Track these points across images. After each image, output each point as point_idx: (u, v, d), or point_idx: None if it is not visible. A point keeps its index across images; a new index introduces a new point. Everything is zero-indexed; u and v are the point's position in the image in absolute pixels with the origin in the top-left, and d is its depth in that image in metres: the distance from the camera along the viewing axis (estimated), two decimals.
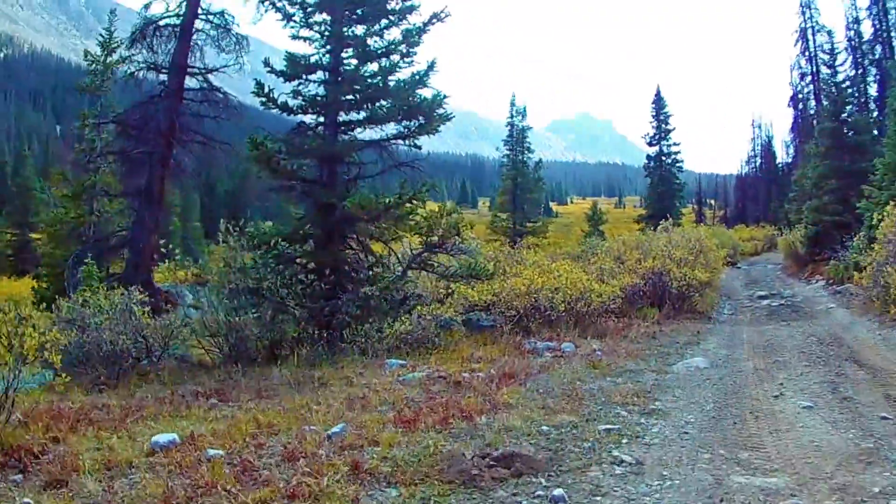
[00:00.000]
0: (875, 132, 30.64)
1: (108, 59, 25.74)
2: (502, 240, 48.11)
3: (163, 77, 19.84)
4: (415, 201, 13.57)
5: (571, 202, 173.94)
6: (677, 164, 56.17)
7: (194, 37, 19.92)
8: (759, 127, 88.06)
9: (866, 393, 9.29)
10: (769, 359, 12.27)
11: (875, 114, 39.84)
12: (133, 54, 20.09)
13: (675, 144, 56.20)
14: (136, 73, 20.10)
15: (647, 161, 56.98)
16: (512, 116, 55.27)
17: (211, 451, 6.20)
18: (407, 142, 14.32)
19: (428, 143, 16.38)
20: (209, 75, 20.12)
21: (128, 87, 21.07)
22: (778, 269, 33.86)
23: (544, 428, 7.31)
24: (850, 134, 30.05)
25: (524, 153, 54.45)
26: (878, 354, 12.04)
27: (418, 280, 16.24)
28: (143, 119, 19.38)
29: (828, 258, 28.06)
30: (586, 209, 61.52)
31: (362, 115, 14.42)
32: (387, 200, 13.39)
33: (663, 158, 55.70)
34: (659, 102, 56.76)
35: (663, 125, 56.25)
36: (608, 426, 7.45)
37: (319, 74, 14.51)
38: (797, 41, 55.91)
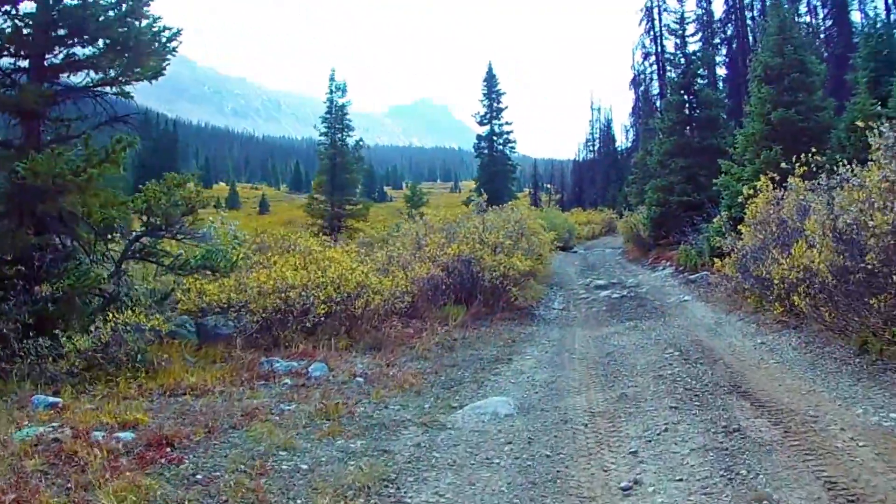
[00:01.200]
0: (723, 115, 27.62)
1: None
2: (319, 223, 42.74)
3: None
4: (109, 164, 9.31)
5: (407, 186, 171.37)
6: (510, 144, 52.73)
7: None
8: (599, 110, 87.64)
9: (788, 482, 4.82)
10: (611, 391, 7.64)
11: (724, 96, 37.46)
12: None
13: (507, 124, 52.79)
14: None
15: (477, 141, 53.08)
16: (331, 93, 49.40)
17: None
18: (115, 88, 10.64)
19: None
20: None
21: None
22: (618, 254, 30.59)
23: None
24: (699, 109, 26.90)
25: (344, 132, 48.81)
26: (774, 380, 7.71)
27: (148, 275, 12.07)
28: None
29: (675, 242, 24.75)
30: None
31: (63, 55, 10.59)
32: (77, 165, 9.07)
33: (495, 138, 52.07)
34: (491, 80, 53.09)
35: (495, 103, 52.65)
36: None
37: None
38: (642, 20, 53.80)
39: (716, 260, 14.18)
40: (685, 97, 27.06)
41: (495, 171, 51.23)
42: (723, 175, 18.28)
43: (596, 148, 79.25)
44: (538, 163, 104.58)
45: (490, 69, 53.47)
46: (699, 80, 28.43)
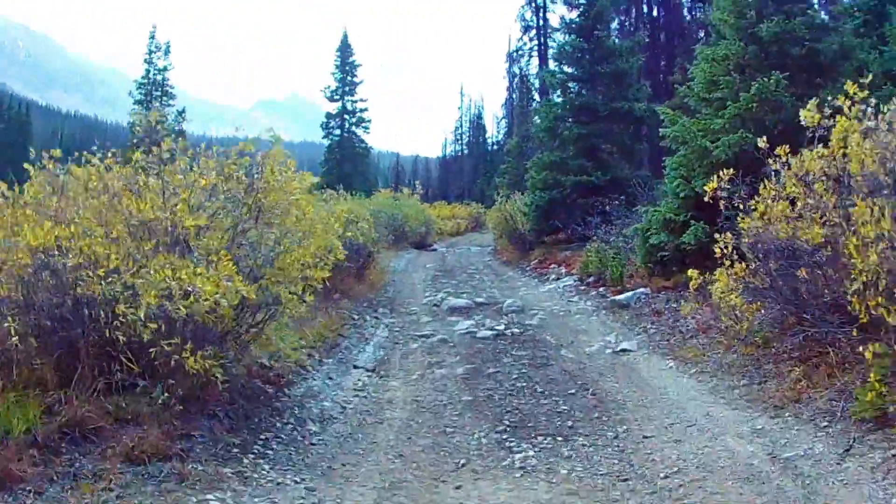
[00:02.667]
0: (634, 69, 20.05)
1: None
2: None
3: None
4: None
5: None
6: (364, 125, 44.18)
7: None
8: (470, 99, 79.90)
9: None
10: None
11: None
12: None
13: (362, 100, 44.25)
14: None
15: (326, 120, 44.11)
16: (149, 54, 39.01)
17: None
18: None
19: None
20: None
21: None
22: (487, 254, 22.73)
23: None
24: (605, 62, 19.24)
25: (164, 99, 38.67)
26: None
27: None
28: None
29: (571, 239, 17.10)
30: None
31: None
32: None
33: (346, 117, 43.48)
34: (345, 50, 44.41)
35: (349, 76, 44.02)
36: None
37: None
38: None
39: (692, 274, 6.39)
40: (585, 44, 19.37)
41: (345, 154, 42.53)
42: (672, 128, 10.51)
43: (465, 141, 71.80)
44: (403, 160, 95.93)
45: (345, 38, 44.73)
46: (611, 23, 20.91)
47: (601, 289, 11.08)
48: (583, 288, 11.72)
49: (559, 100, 19.81)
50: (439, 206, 50.24)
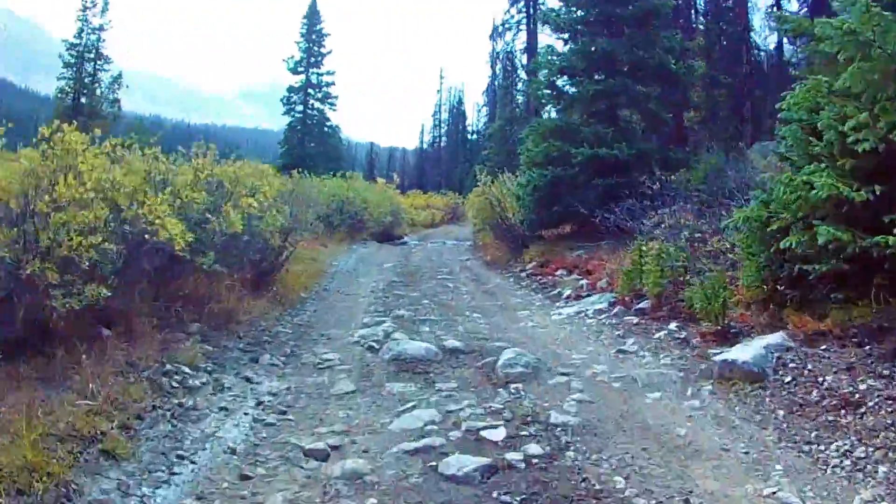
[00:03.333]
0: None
1: None
2: None
3: None
4: None
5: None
6: (329, 100, 38.65)
7: None
8: (450, 85, 74.40)
9: None
10: None
11: None
12: None
13: (328, 73, 38.69)
14: None
15: (287, 94, 38.48)
16: (84, 10, 33.23)
17: None
18: None
19: None
20: None
21: None
22: (465, 250, 17.79)
23: None
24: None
25: (97, 63, 33.02)
26: None
27: None
28: None
29: (578, 233, 12.31)
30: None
31: None
32: None
33: (311, 91, 37.99)
34: (312, 18, 38.90)
35: (316, 47, 38.51)
36: None
37: None
38: None
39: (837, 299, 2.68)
40: None
41: (309, 134, 37.16)
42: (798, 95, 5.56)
43: (443, 129, 66.49)
44: (380, 151, 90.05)
45: (313, 4, 39.19)
46: None
47: (672, 324, 6.07)
48: (635, 321, 6.65)
49: (565, 48, 14.73)
50: (413, 195, 45.24)
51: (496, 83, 64.44)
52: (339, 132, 40.72)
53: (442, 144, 66.83)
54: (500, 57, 45.65)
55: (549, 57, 14.62)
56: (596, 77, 13.70)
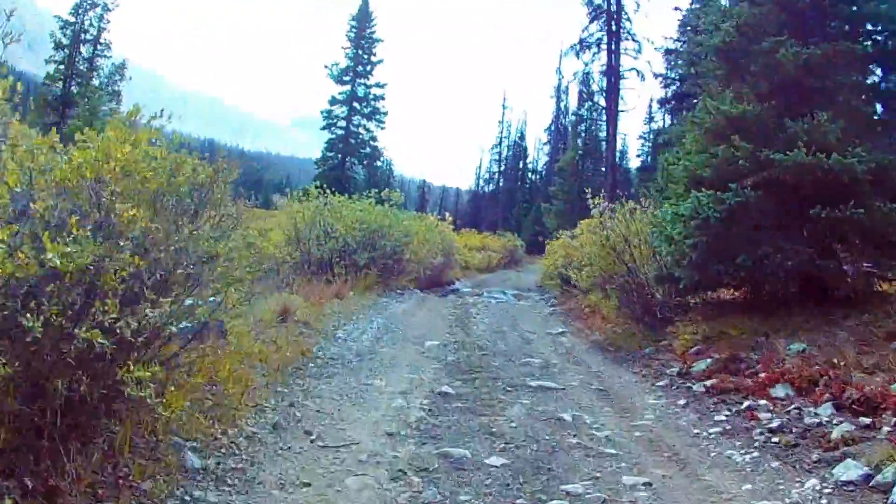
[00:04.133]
0: None
1: None
2: None
3: None
4: None
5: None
6: (377, 117, 33.39)
7: None
8: (511, 115, 68.75)
9: None
10: None
11: None
12: None
13: (378, 86, 33.54)
14: None
15: (329, 107, 33.22)
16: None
17: None
18: None
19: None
20: None
21: None
22: (549, 315, 12.08)
23: None
24: None
25: (98, 48, 28.37)
26: None
27: None
28: None
29: (786, 304, 6.57)
30: None
31: None
32: None
33: (357, 105, 32.85)
34: (364, 20, 33.88)
35: (366, 54, 33.47)
36: None
37: None
38: None
39: None
40: None
41: (349, 153, 31.94)
42: None
43: (503, 165, 60.79)
44: (431, 187, 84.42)
45: (365, 4, 34.26)
46: None
47: None
48: None
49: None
50: (467, 234, 39.57)
51: (562, 118, 58.92)
52: (386, 156, 35.40)
53: (500, 177, 60.93)
54: (576, 79, 39.69)
55: (717, 10, 8.86)
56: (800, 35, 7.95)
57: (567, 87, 58.70)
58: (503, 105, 59.72)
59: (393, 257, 13.40)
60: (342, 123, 32.33)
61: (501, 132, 58.13)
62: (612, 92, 31.01)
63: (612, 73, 31.05)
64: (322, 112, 32.62)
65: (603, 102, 31.58)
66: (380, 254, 12.82)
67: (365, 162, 32.46)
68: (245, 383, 4.41)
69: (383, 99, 33.03)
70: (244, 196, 5.84)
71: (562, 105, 61.75)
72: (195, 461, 3.32)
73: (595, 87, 34.83)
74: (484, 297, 15.60)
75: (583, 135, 34.31)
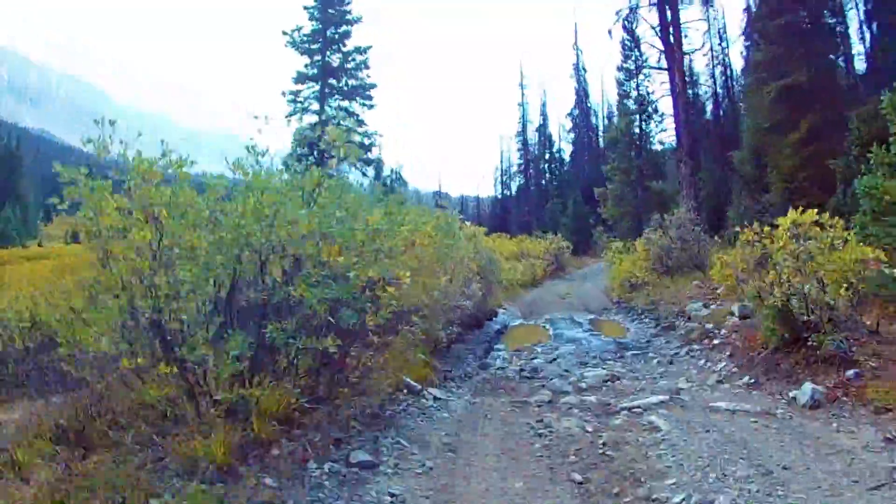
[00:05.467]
0: None
1: None
2: None
3: None
4: None
5: None
6: (362, 94, 24.85)
7: None
8: (529, 97, 59.82)
9: None
10: None
11: None
12: None
13: (359, 51, 25.05)
14: None
15: (294, 85, 24.72)
16: None
17: None
18: None
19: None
20: None
21: None
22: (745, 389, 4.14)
23: None
24: None
25: None
26: None
27: None
28: None
29: None
30: None
31: None
32: None
33: (332, 80, 24.48)
34: None
35: (338, 13, 25.15)
36: None
37: None
38: None
39: None
40: None
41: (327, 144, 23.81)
42: None
43: (530, 152, 52.12)
44: (448, 199, 75.82)
45: None
46: None
47: None
48: None
49: None
50: (499, 239, 31.16)
51: (584, 100, 50.71)
52: (373, 138, 26.03)
53: (529, 173, 52.48)
54: (619, 19, 31.03)
55: None
56: None
57: (585, 68, 50.55)
58: (521, 84, 50.78)
59: (358, 309, 5.07)
60: (314, 106, 23.89)
61: (523, 116, 49.70)
62: (673, 27, 22.49)
63: (672, 24, 22.55)
64: (285, 94, 23.98)
65: (660, 45, 22.97)
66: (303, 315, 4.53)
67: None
68: None
69: (367, 68, 24.51)
70: None
71: (582, 83, 53.66)
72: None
73: (645, 31, 26.28)
74: (554, 338, 7.97)
75: (634, 94, 25.74)
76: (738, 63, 27.03)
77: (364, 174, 24.19)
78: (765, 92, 15.85)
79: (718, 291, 11.65)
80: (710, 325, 8.87)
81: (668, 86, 21.64)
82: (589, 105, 52.36)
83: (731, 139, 23.66)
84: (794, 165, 15.27)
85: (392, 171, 49.69)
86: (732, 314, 8.85)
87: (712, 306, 10.03)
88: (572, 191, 42.72)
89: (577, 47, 51.45)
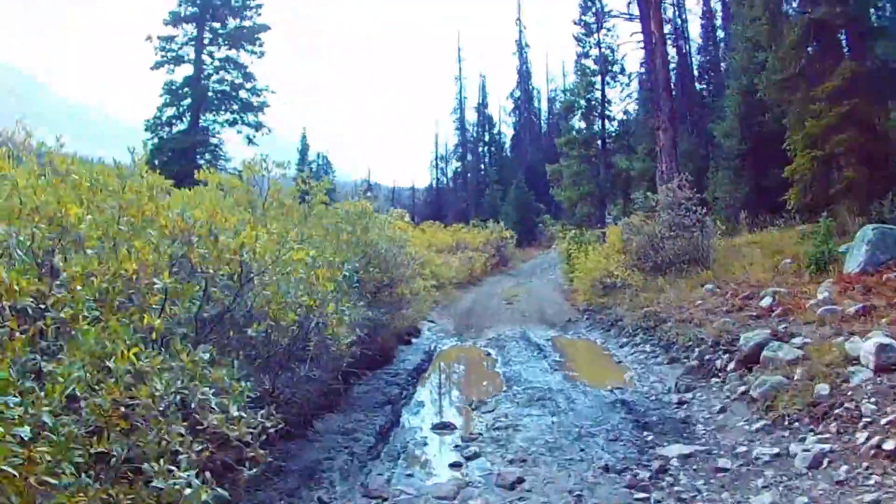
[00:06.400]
0: None
1: None
2: None
3: None
4: None
5: None
6: (248, 38, 19.42)
7: None
8: (464, 69, 54.64)
9: None
10: None
11: None
12: None
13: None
14: None
15: (165, 28, 19.35)
16: None
17: None
18: None
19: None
20: None
21: None
22: None
23: None
24: None
25: None
26: None
27: None
28: None
29: None
30: None
31: None
32: None
33: (214, 24, 19.20)
34: None
35: None
36: None
37: None
38: None
39: None
40: None
41: (212, 106, 18.44)
42: None
43: (466, 134, 47.26)
44: (377, 188, 70.20)
45: None
46: None
47: None
48: None
49: None
50: (431, 229, 26.39)
51: (527, 81, 46.71)
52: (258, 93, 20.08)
53: (466, 157, 47.65)
54: None
55: None
56: None
57: (528, 44, 46.32)
58: (458, 58, 45.81)
59: None
60: (189, 54, 18.55)
61: (460, 92, 45.06)
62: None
63: None
64: (151, 39, 18.36)
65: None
66: None
67: (238, 115, 18.56)
68: None
69: (259, 6, 19.26)
70: None
71: (525, 62, 49.48)
72: None
73: None
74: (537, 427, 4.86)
75: (594, 52, 21.26)
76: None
77: (251, 140, 19.09)
78: (786, 30, 11.58)
79: (761, 304, 7.28)
80: (821, 386, 4.42)
81: (638, 39, 17.21)
82: (532, 86, 48.24)
83: (712, 110, 19.63)
84: (824, 126, 11.03)
85: (319, 155, 44.72)
86: (856, 361, 4.49)
87: (797, 339, 5.52)
88: (514, 176, 38.52)
89: (520, 22, 47.18)
